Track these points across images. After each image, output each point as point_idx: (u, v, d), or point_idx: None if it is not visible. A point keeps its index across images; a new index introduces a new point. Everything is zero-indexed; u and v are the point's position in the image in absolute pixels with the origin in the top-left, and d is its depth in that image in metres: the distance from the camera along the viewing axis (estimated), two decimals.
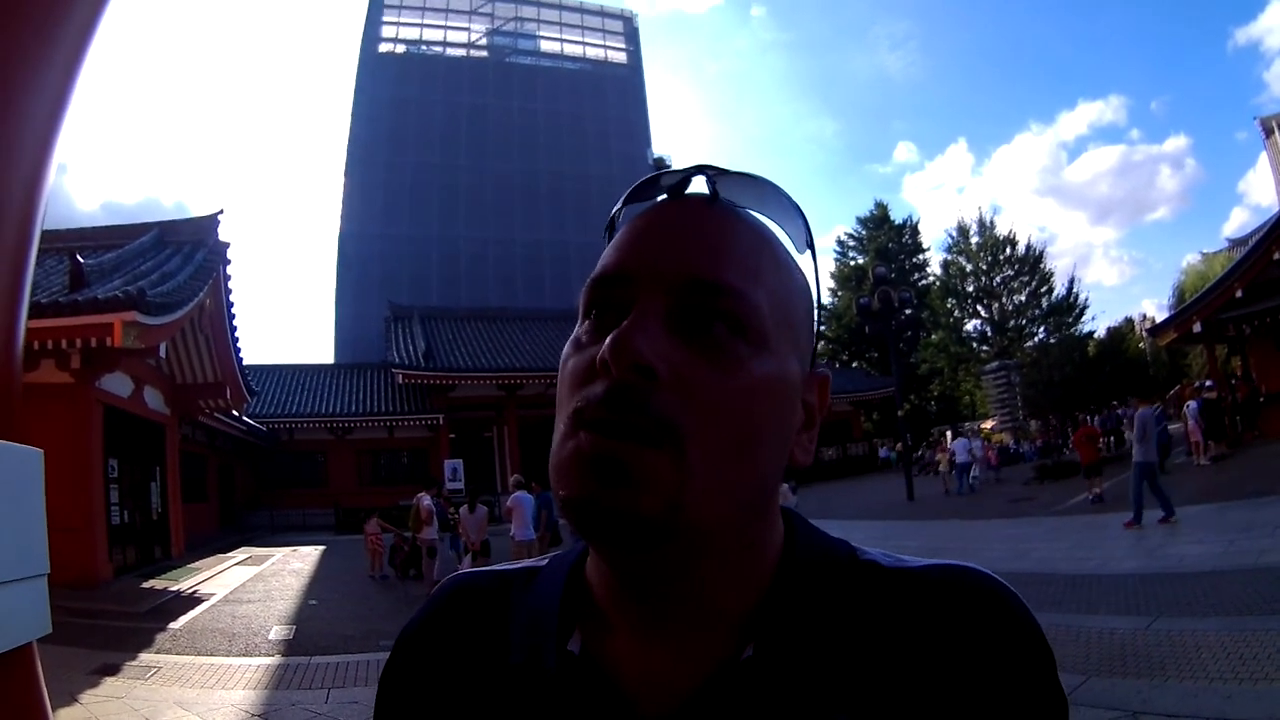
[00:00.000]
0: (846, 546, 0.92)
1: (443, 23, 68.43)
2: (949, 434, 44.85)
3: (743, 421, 0.78)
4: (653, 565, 0.78)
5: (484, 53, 68.97)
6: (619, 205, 0.92)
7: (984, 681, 0.77)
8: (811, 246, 0.92)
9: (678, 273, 0.80)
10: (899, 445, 43.02)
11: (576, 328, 0.86)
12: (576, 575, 0.93)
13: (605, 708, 0.81)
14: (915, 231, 68.98)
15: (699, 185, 0.88)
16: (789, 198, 0.90)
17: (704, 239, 0.82)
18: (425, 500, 18.02)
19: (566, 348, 0.85)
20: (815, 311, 0.93)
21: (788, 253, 0.90)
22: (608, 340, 0.75)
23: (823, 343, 65.59)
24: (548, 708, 0.82)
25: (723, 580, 0.82)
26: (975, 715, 0.77)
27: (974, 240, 53.24)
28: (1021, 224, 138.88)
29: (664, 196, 0.89)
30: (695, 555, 0.78)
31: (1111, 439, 33.38)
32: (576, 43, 72.46)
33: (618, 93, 70.08)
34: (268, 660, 11.60)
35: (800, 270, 0.91)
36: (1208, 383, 30.23)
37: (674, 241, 0.83)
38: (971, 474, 30.63)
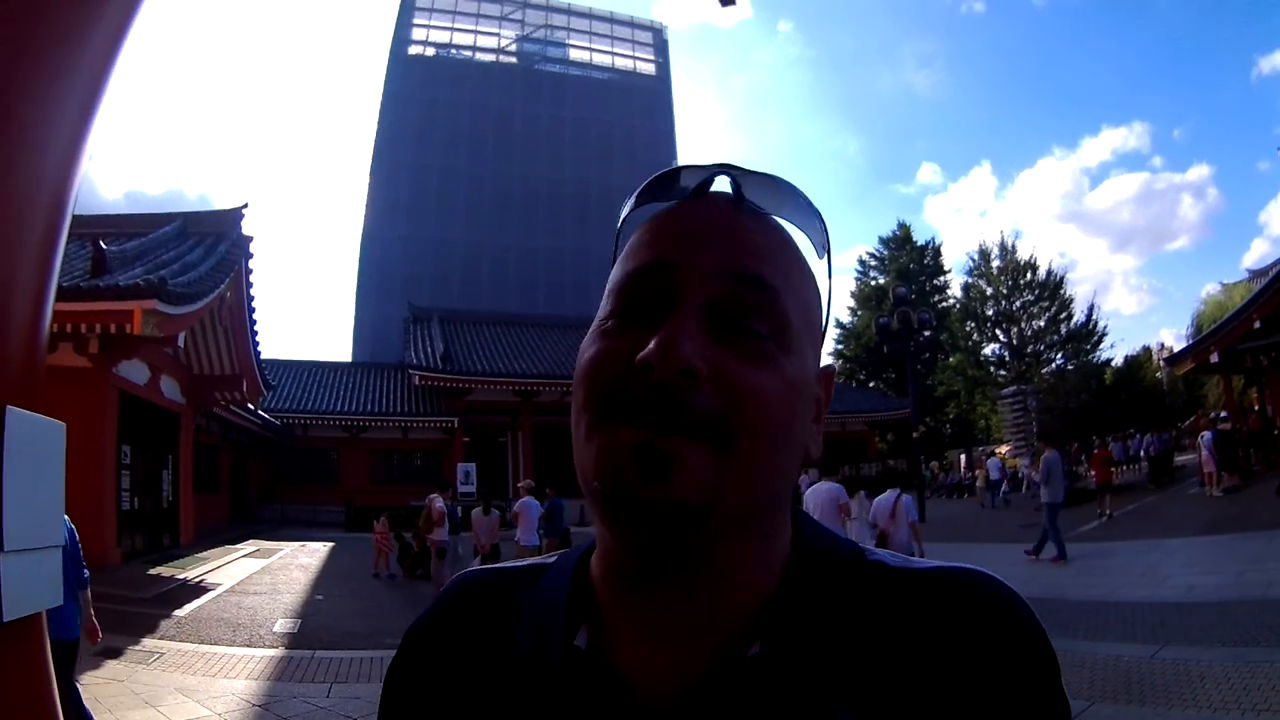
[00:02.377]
0: (854, 546, 0.92)
1: (473, 28, 68.69)
2: (963, 457, 44.94)
3: (776, 418, 0.79)
4: (679, 554, 0.80)
5: (513, 59, 69.14)
6: (632, 201, 0.93)
7: (987, 684, 0.77)
8: (828, 249, 0.93)
9: (718, 267, 0.82)
10: (932, 464, 43.47)
11: (598, 320, 0.87)
12: (583, 571, 0.94)
13: (611, 701, 0.81)
14: (937, 253, 68.57)
15: (721, 185, 0.89)
16: (808, 200, 0.91)
17: (740, 237, 0.84)
18: (438, 502, 17.97)
19: (587, 339, 0.86)
20: (827, 310, 0.94)
21: (804, 256, 0.91)
22: (654, 343, 0.76)
23: (840, 361, 65.55)
24: (554, 701, 0.83)
25: (740, 570, 0.83)
26: (977, 717, 0.77)
27: (995, 264, 53.03)
28: (1042, 249, 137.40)
29: (686, 195, 0.90)
30: (721, 545, 0.80)
31: (1144, 465, 33.37)
32: (605, 52, 72.61)
33: (645, 103, 70.14)
34: (271, 652, 11.61)
35: (814, 272, 0.92)
36: (1223, 414, 30.10)
37: (711, 237, 0.84)
38: (1002, 489, 33.26)
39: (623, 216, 0.93)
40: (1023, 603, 0.84)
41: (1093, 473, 26.93)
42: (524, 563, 1.04)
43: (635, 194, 0.92)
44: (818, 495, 11.91)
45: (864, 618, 0.82)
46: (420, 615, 1.03)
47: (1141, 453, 33.88)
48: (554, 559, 1.01)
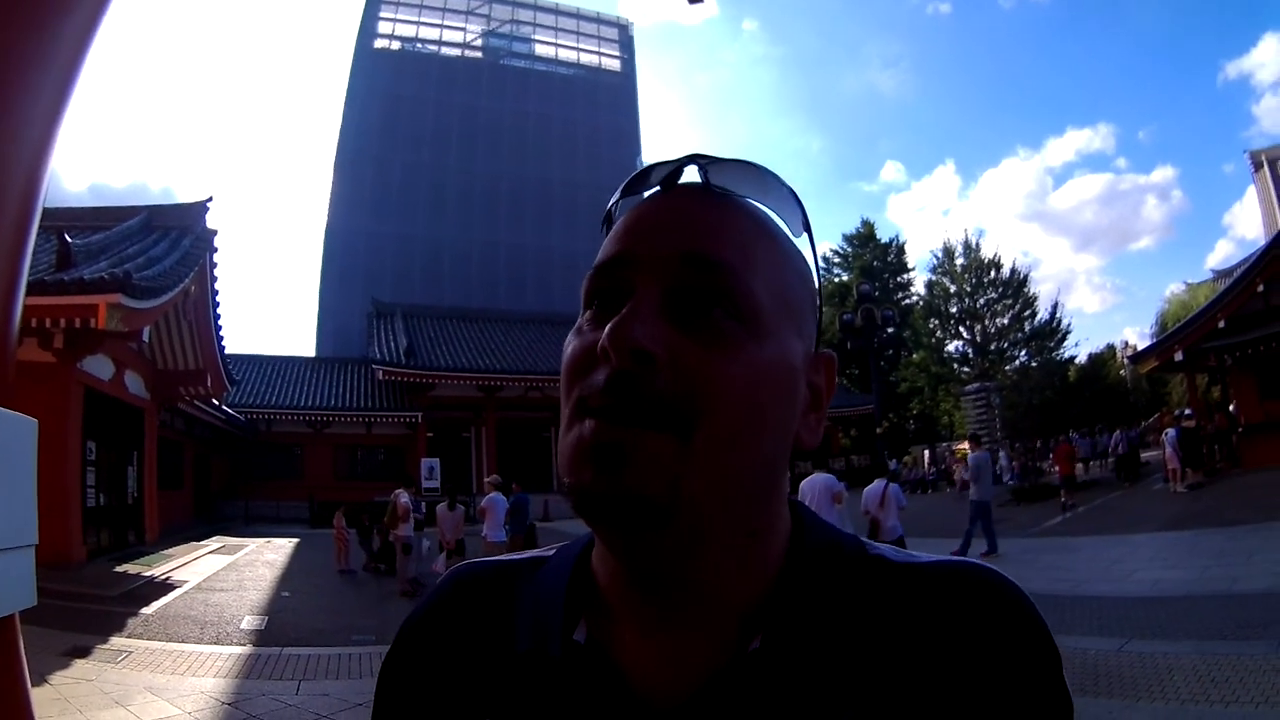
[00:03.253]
0: (855, 541, 0.92)
1: (439, 21, 68.75)
2: (926, 453, 45.24)
3: (744, 404, 0.78)
4: (657, 549, 0.78)
5: (479, 53, 69.25)
6: (616, 197, 0.92)
7: (990, 678, 0.78)
8: (809, 229, 0.92)
9: (673, 254, 0.81)
10: (905, 459, 43.92)
11: (579, 319, 0.86)
12: (583, 565, 0.93)
13: (611, 697, 0.81)
14: (901, 251, 68.78)
15: (692, 175, 0.89)
16: (783, 183, 0.90)
17: (697, 222, 0.84)
18: (403, 498, 17.98)
19: (569, 338, 0.86)
20: (817, 293, 0.94)
21: (786, 236, 0.91)
22: (606, 329, 0.76)
23: None
24: (553, 696, 0.82)
25: (728, 567, 0.82)
26: (981, 712, 0.77)
27: (959, 262, 53.06)
28: (1005, 248, 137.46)
29: (657, 188, 0.90)
30: (699, 539, 0.78)
31: (1106, 462, 33.76)
32: (571, 48, 72.92)
33: (610, 99, 70.43)
34: (239, 649, 11.55)
35: (799, 253, 0.92)
36: (1187, 411, 30.41)
37: (668, 226, 0.84)
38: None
39: (606, 212, 0.93)
40: (1026, 597, 0.84)
41: (1056, 467, 27.47)
42: (522, 556, 1.03)
43: (619, 190, 0.92)
44: (814, 485, 12.77)
45: (866, 612, 0.82)
46: (416, 608, 1.03)
47: (1109, 449, 34.13)
48: (553, 552, 1.00)
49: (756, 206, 0.89)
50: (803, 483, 13.11)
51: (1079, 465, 29.64)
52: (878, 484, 13.93)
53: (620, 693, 0.81)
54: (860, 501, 14.11)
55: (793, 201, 0.91)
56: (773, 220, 0.90)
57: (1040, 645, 0.81)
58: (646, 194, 0.90)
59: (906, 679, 0.78)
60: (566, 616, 0.87)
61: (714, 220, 0.84)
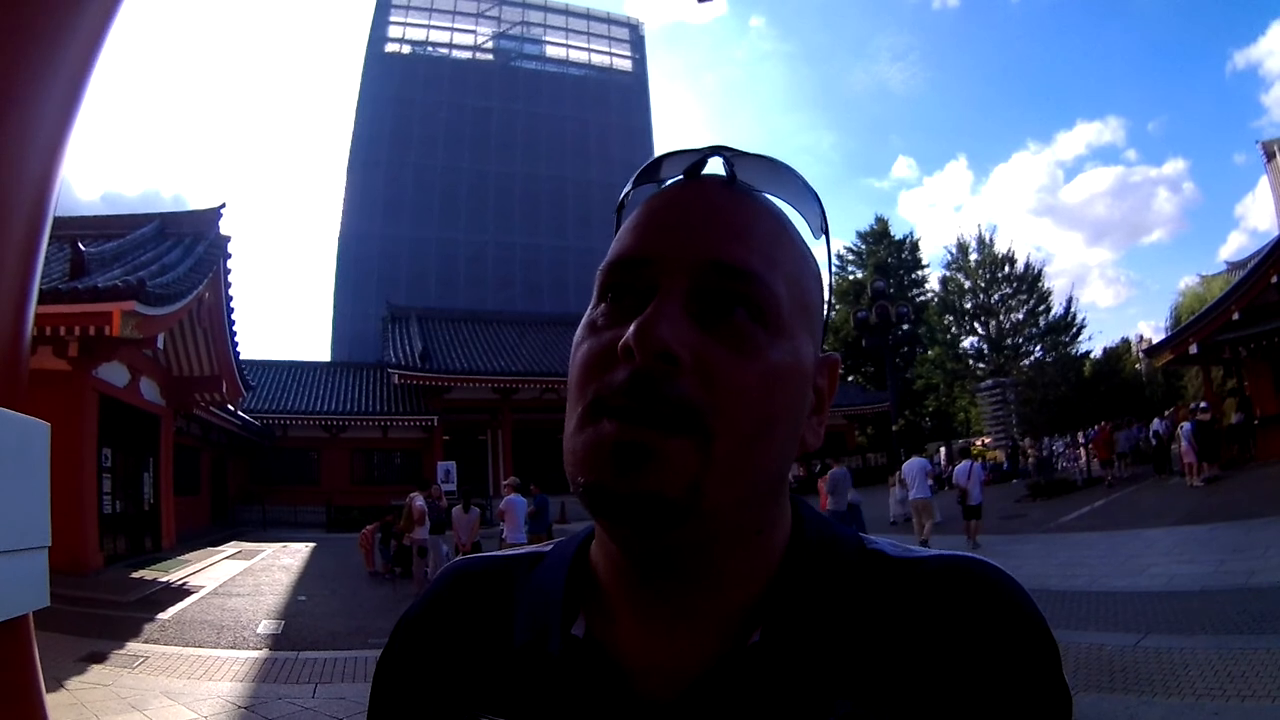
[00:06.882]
0: (854, 535, 0.92)
1: (449, 25, 68.71)
2: (943, 450, 45.18)
3: (762, 408, 0.78)
4: (669, 548, 0.79)
5: (489, 56, 69.19)
6: (630, 186, 0.92)
7: (987, 672, 0.78)
8: (826, 231, 0.92)
9: (699, 256, 0.80)
10: (940, 448, 44.15)
11: (590, 311, 0.86)
12: (581, 560, 0.93)
13: (609, 691, 0.81)
14: (915, 247, 68.09)
15: (714, 166, 0.88)
16: (805, 181, 0.89)
17: (724, 222, 0.83)
18: (418, 500, 17.93)
19: (580, 331, 0.85)
20: (827, 295, 0.94)
21: (803, 237, 0.90)
22: (632, 328, 0.75)
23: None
24: (551, 691, 0.82)
25: (734, 564, 0.83)
26: (978, 705, 0.77)
27: (973, 258, 52.75)
28: (1018, 243, 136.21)
29: (680, 177, 0.89)
30: (711, 538, 0.79)
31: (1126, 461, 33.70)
32: (582, 49, 72.81)
33: (621, 100, 70.36)
34: (255, 654, 11.55)
35: (813, 255, 0.92)
36: (1202, 404, 30.29)
37: (694, 224, 0.83)
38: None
39: (620, 200, 0.92)
40: (1022, 591, 0.84)
41: (1095, 454, 30.08)
42: (519, 551, 1.03)
43: (634, 177, 0.92)
44: (912, 466, 19.40)
45: (864, 606, 0.82)
46: (413, 604, 1.03)
47: (1140, 440, 33.80)
48: (549, 548, 1.00)
49: (779, 205, 0.89)
50: (903, 465, 18.32)
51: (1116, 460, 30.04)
52: (965, 464, 19.32)
53: (619, 687, 0.81)
54: (954, 477, 20.59)
55: (814, 201, 0.91)
56: (792, 221, 0.90)
57: (1037, 638, 0.81)
58: (668, 183, 0.89)
59: (904, 672, 0.78)
60: (565, 611, 0.87)
61: (741, 221, 0.84)
